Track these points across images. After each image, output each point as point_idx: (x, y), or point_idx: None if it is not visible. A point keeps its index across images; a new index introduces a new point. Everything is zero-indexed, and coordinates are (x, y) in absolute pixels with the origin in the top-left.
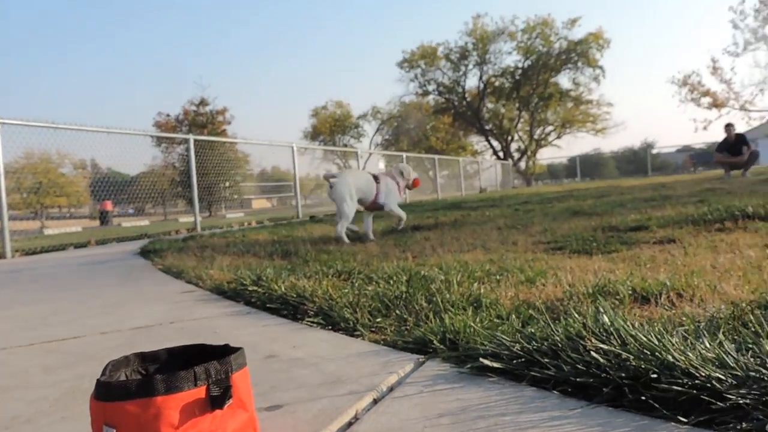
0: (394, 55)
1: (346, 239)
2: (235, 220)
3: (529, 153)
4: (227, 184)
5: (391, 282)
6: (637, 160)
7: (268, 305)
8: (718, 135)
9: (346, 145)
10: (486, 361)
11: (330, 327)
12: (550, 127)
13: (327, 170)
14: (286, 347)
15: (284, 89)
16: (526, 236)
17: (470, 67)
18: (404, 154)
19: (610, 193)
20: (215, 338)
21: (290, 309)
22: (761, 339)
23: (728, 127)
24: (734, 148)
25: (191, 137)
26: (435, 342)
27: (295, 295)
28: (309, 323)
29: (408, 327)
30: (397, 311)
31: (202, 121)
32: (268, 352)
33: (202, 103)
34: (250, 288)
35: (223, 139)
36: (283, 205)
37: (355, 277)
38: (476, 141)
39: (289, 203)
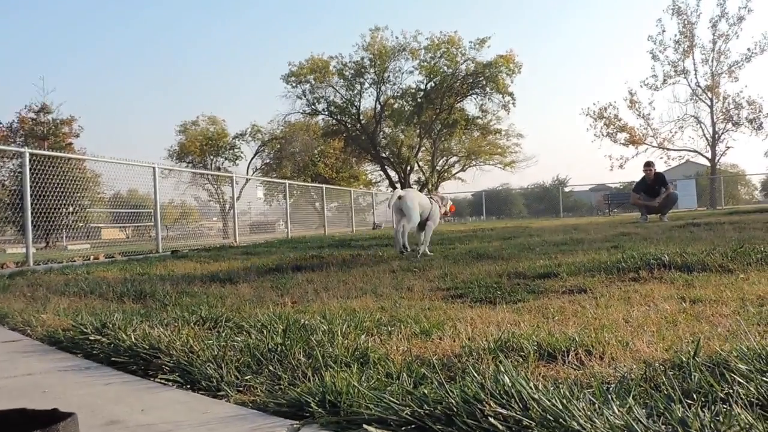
0: (280, 68)
1: (406, 249)
2: (79, 253)
3: (430, 186)
4: (71, 209)
5: (265, 332)
6: (548, 199)
7: (113, 358)
8: (635, 174)
9: (219, 168)
10: (371, 428)
11: (189, 386)
12: (454, 158)
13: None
14: (132, 411)
15: (150, 102)
16: (423, 281)
17: (366, 85)
18: (287, 182)
19: (518, 235)
20: (43, 400)
21: (141, 363)
22: (673, 404)
23: (647, 166)
24: (652, 190)
25: (26, 150)
26: (313, 405)
27: (147, 347)
28: (163, 381)
29: (282, 386)
30: (271, 367)
31: (42, 131)
32: (109, 416)
33: (43, 110)
34: (92, 337)
35: (68, 155)
36: (139, 237)
37: (222, 326)
38: (371, 170)
39: (148, 234)
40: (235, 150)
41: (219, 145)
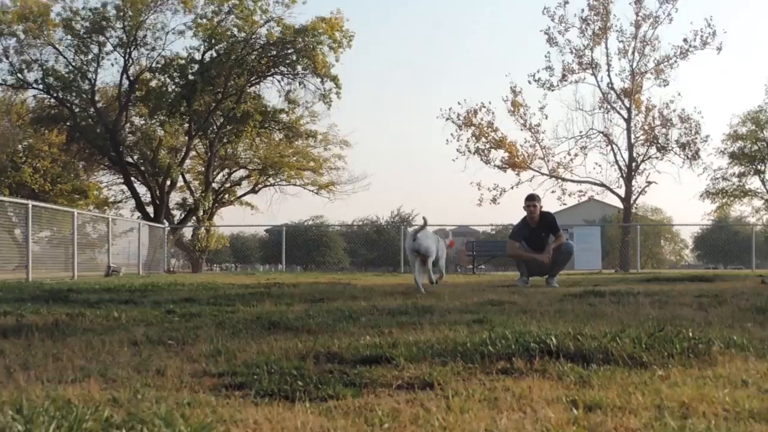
0: None
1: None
2: None
3: (201, 213)
4: None
5: None
6: (383, 243)
7: None
8: (514, 214)
9: None
10: None
11: None
12: (242, 172)
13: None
14: None
15: None
16: (184, 361)
17: (109, 48)
18: None
19: (335, 296)
20: None
21: None
22: None
23: (529, 200)
24: (537, 237)
25: None
26: None
27: None
28: None
29: None
30: None
31: None
32: None
33: None
34: None
35: None
36: None
37: None
38: (108, 182)
39: None
40: None
41: None
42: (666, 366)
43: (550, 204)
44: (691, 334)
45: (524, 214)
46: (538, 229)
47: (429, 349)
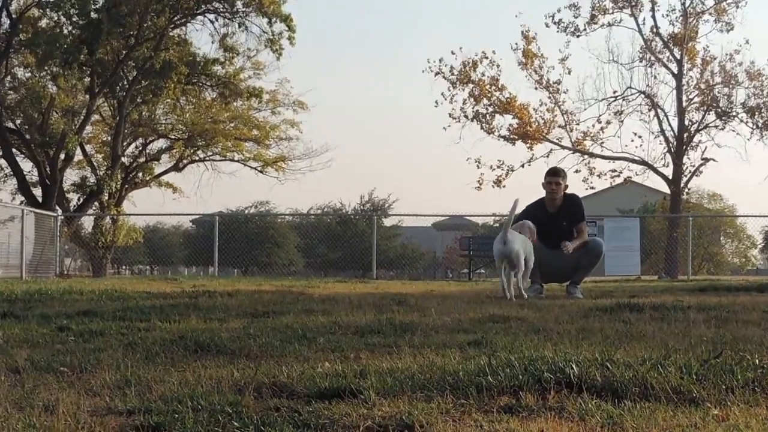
0: None
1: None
2: None
3: (107, 197)
4: None
5: None
6: (349, 239)
7: None
8: (525, 200)
9: None
10: None
11: None
12: (161, 142)
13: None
14: None
15: None
16: (81, 394)
17: None
18: None
19: (285, 309)
20: None
21: None
22: None
23: (552, 176)
24: (556, 227)
25: None
26: None
27: None
28: None
29: None
30: None
31: None
32: None
33: None
34: None
35: None
36: None
37: None
38: None
39: None
40: None
41: None
42: (723, 403)
43: (573, 187)
44: (758, 362)
45: (542, 195)
46: (558, 215)
47: (408, 379)
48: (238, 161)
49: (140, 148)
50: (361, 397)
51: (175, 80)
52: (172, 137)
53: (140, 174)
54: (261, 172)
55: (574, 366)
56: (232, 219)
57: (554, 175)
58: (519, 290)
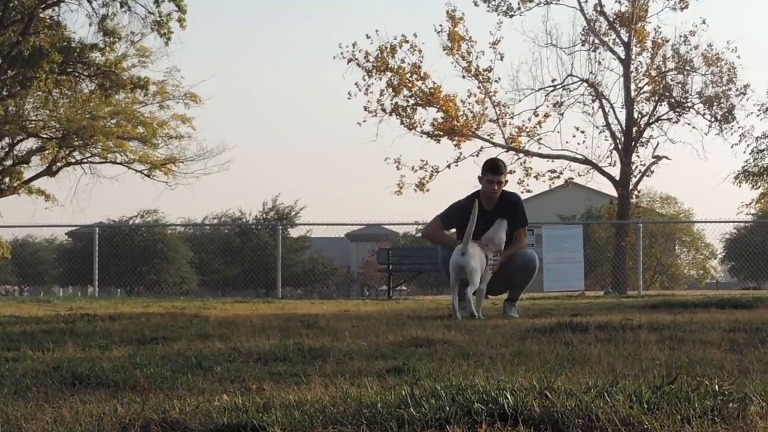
0: None
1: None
2: None
3: None
4: None
5: None
6: (250, 252)
7: None
8: (444, 203)
9: None
10: None
11: None
12: (31, 143)
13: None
14: None
15: None
16: None
17: None
18: None
19: (175, 334)
20: None
21: None
22: None
23: (495, 175)
24: (491, 224)
25: None
26: None
27: None
28: None
29: None
30: None
31: None
32: None
33: None
34: None
35: None
36: None
37: None
38: None
39: None
40: None
41: None
42: None
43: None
44: (717, 388)
45: (476, 189)
46: (494, 214)
47: (319, 413)
48: (121, 163)
49: (6, 149)
50: None
51: (46, 69)
52: (44, 136)
53: (6, 179)
54: (148, 176)
55: (508, 395)
56: (115, 231)
57: (496, 172)
58: (472, 310)
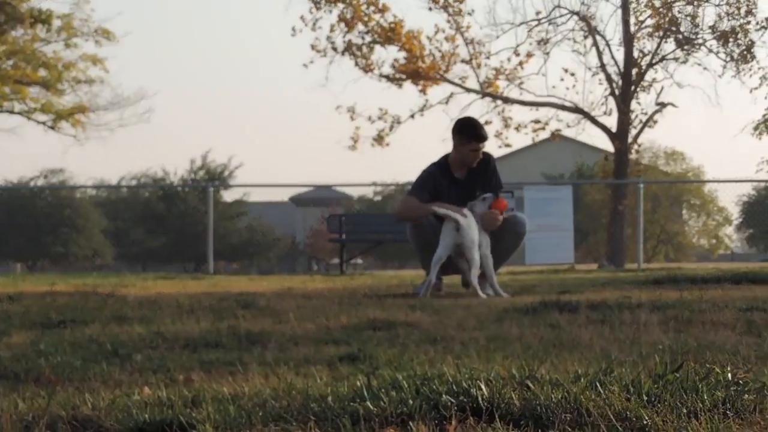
0: None
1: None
2: None
3: None
4: None
5: None
6: (168, 220)
7: None
8: (418, 164)
9: None
10: None
11: None
12: None
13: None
14: None
15: None
16: None
17: None
18: None
19: (86, 317)
20: None
21: None
22: None
23: (478, 141)
24: (466, 196)
25: None
26: None
27: None
28: None
29: None
30: None
31: None
32: None
33: None
34: None
35: None
36: None
37: None
38: None
39: None
40: None
41: None
42: (679, 430)
43: (490, 146)
44: (731, 377)
45: (449, 151)
46: (468, 182)
47: (258, 407)
48: (19, 113)
49: None
50: None
51: None
52: None
53: None
54: (52, 128)
55: (482, 386)
56: (13, 195)
57: (480, 138)
58: (494, 288)
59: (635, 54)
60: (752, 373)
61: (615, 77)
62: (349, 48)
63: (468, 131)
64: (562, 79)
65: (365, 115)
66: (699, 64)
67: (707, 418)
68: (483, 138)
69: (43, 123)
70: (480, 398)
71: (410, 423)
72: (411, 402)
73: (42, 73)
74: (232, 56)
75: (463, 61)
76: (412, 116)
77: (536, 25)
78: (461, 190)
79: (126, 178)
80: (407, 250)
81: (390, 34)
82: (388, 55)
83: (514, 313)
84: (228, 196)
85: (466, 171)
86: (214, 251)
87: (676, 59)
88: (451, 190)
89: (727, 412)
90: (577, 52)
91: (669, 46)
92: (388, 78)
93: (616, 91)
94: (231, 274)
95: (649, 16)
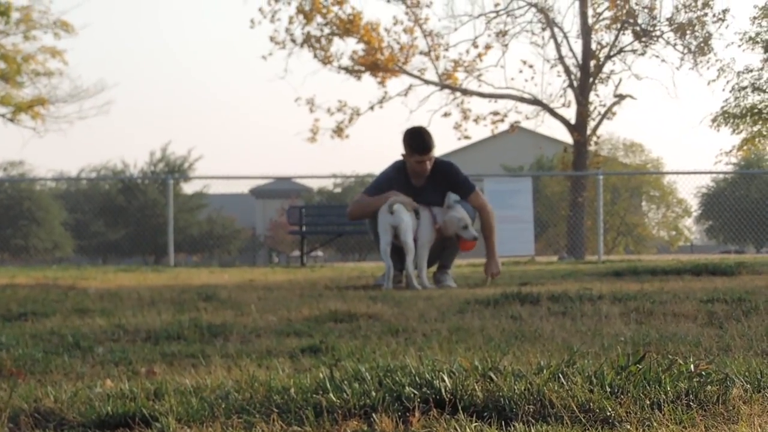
0: None
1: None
2: None
3: None
4: None
5: None
6: (128, 213)
7: None
8: (376, 157)
9: None
10: None
11: None
12: None
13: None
14: None
15: None
16: None
17: None
18: None
19: (46, 309)
20: None
21: None
22: None
23: (422, 154)
24: (423, 201)
25: None
26: None
27: None
28: None
29: None
30: None
31: None
32: None
33: None
34: None
35: None
36: None
37: None
38: None
39: None
40: None
41: None
42: (647, 423)
43: (441, 138)
44: (693, 368)
45: (403, 155)
46: (428, 189)
47: (221, 400)
48: None
49: None
50: (156, 426)
51: None
52: None
53: None
54: (11, 120)
55: (445, 378)
56: None
57: (423, 151)
58: (420, 280)
59: (593, 46)
60: (714, 364)
61: (573, 69)
62: (308, 40)
63: (412, 143)
64: (520, 71)
65: (324, 107)
66: (657, 56)
67: (670, 409)
68: (426, 150)
69: (2, 115)
70: (443, 390)
71: (373, 415)
72: (374, 394)
73: (0, 65)
74: (191, 48)
75: (421, 53)
76: (372, 108)
77: (495, 17)
78: (418, 198)
79: (86, 171)
80: (368, 242)
81: (348, 26)
82: (346, 47)
83: (475, 305)
84: (188, 188)
85: (424, 179)
86: (175, 243)
87: (634, 51)
88: (412, 197)
89: (690, 403)
90: (536, 44)
91: (627, 38)
92: (347, 70)
93: (575, 83)
94: (192, 266)
95: (606, 8)
